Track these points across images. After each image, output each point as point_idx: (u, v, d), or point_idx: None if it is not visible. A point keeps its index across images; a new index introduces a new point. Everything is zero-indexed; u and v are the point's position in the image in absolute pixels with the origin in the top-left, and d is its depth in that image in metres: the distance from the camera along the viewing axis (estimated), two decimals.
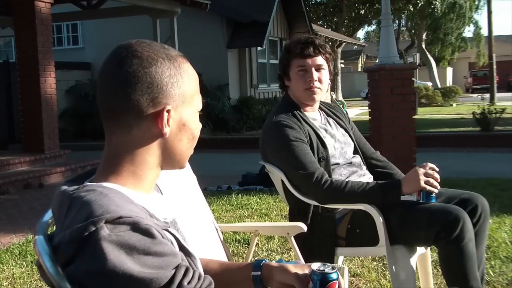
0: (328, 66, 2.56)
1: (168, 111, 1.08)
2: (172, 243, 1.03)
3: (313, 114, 2.61)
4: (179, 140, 1.13)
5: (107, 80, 1.09)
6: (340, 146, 2.57)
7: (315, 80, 2.50)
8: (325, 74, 2.54)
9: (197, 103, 1.16)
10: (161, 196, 1.22)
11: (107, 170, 1.10)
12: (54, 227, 1.13)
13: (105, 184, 1.07)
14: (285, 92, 2.65)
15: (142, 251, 0.95)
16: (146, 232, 0.96)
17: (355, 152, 2.63)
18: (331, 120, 2.66)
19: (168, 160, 1.14)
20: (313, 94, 2.52)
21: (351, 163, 2.55)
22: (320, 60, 2.51)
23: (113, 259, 0.92)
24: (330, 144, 2.53)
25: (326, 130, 2.58)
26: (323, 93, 2.57)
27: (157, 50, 1.10)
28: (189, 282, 0.99)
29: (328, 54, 2.55)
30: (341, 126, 2.66)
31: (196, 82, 1.16)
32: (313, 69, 2.50)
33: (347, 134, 2.64)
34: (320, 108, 2.67)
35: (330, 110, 2.71)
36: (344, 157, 2.55)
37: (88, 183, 1.08)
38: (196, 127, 1.16)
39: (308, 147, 2.43)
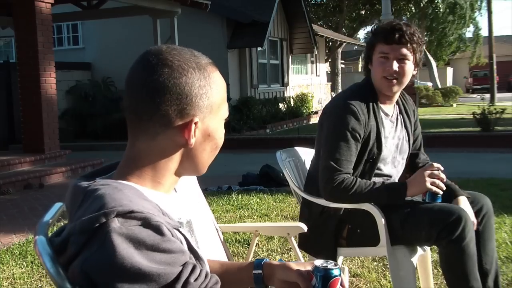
0: (415, 57, 2.38)
1: (195, 123, 1.08)
2: (181, 242, 1.04)
3: (388, 107, 2.48)
4: (203, 149, 1.13)
5: (135, 86, 1.08)
6: (396, 150, 2.49)
7: (394, 71, 2.35)
8: (408, 66, 2.37)
9: (224, 111, 1.16)
10: (179, 197, 1.22)
11: (128, 171, 1.10)
12: (54, 227, 1.13)
13: (121, 181, 1.08)
14: (368, 75, 2.48)
15: (150, 247, 0.95)
16: (156, 229, 0.97)
17: (406, 160, 2.55)
18: (400, 118, 2.55)
19: (189, 167, 1.14)
20: (391, 85, 2.38)
21: (390, 177, 2.48)
22: (404, 50, 2.34)
23: (122, 252, 0.93)
24: (388, 147, 2.44)
25: (391, 130, 2.47)
26: (402, 85, 2.43)
27: (187, 59, 1.09)
28: (195, 279, 0.99)
29: (416, 44, 2.36)
30: (406, 128, 2.55)
31: (224, 91, 1.16)
32: (394, 58, 2.35)
33: (407, 138, 2.54)
34: (396, 101, 2.54)
35: (404, 106, 2.58)
36: (393, 164, 2.49)
37: (101, 180, 1.08)
38: (220, 136, 1.16)
39: (356, 146, 2.33)
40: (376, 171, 2.43)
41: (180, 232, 1.05)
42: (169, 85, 1.06)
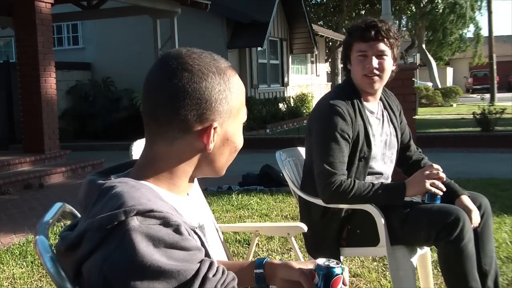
0: (393, 52, 2.39)
1: (214, 128, 1.08)
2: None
3: (372, 105, 2.49)
4: (221, 153, 1.13)
5: (154, 90, 1.08)
6: (384, 146, 2.49)
7: (375, 68, 2.35)
8: (387, 62, 2.38)
9: (243, 116, 1.16)
10: (193, 201, 1.22)
11: (144, 173, 1.10)
12: (54, 225, 1.12)
13: (138, 180, 1.07)
14: (348, 75, 2.50)
15: (169, 245, 0.95)
16: (175, 229, 0.97)
17: (395, 155, 2.55)
18: (385, 114, 2.54)
19: (207, 170, 1.14)
20: (372, 82, 2.39)
21: (381, 175, 2.49)
22: (382, 46, 2.35)
23: (142, 250, 0.93)
24: (376, 144, 2.45)
25: (378, 127, 2.48)
26: (383, 81, 2.43)
27: (207, 63, 1.08)
28: (214, 275, 1.00)
29: (393, 39, 2.37)
30: (392, 123, 2.55)
31: (243, 95, 1.15)
32: (373, 55, 2.35)
33: (395, 133, 2.54)
34: (380, 98, 2.55)
35: (388, 102, 2.58)
36: (383, 160, 2.49)
37: (117, 178, 1.08)
38: (239, 140, 1.16)
39: (347, 146, 2.34)
40: (368, 170, 2.43)
41: (196, 233, 1.05)
42: (189, 89, 1.05)
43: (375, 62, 2.36)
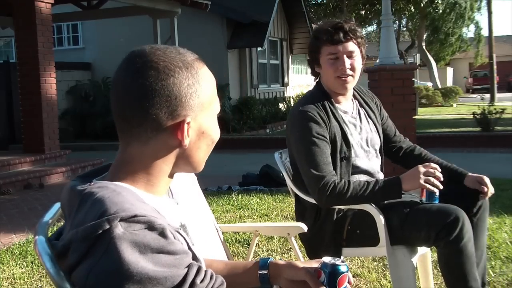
0: (361, 51, 2.44)
1: (188, 123, 1.06)
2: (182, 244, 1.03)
3: (345, 105, 2.51)
4: (198, 148, 1.11)
5: (121, 91, 1.05)
6: (366, 144, 2.50)
7: (348, 68, 2.39)
8: (357, 61, 2.42)
9: (216, 106, 1.14)
10: (172, 201, 1.21)
11: (120, 175, 1.08)
12: (54, 225, 1.12)
13: (117, 182, 1.05)
14: (317, 79, 2.53)
15: (156, 250, 0.94)
16: (160, 232, 0.95)
17: (379, 150, 2.56)
18: (362, 111, 2.55)
19: (185, 167, 1.12)
20: (345, 83, 2.41)
21: (369, 172, 2.49)
22: (351, 46, 2.39)
23: (127, 258, 0.91)
24: (356, 142, 2.45)
25: (355, 126, 2.49)
26: (355, 81, 2.47)
27: (173, 58, 1.06)
28: (201, 281, 0.98)
29: (360, 39, 2.42)
30: (371, 119, 2.56)
31: (213, 86, 1.13)
32: (344, 56, 2.38)
33: (375, 129, 2.55)
34: (353, 96, 2.57)
35: (363, 99, 2.59)
36: (367, 157, 2.49)
37: (98, 181, 1.07)
38: (215, 132, 1.14)
39: (327, 147, 2.35)
40: (354, 169, 2.43)
41: (180, 234, 1.04)
42: (156, 88, 1.02)
43: (347, 62, 2.39)
